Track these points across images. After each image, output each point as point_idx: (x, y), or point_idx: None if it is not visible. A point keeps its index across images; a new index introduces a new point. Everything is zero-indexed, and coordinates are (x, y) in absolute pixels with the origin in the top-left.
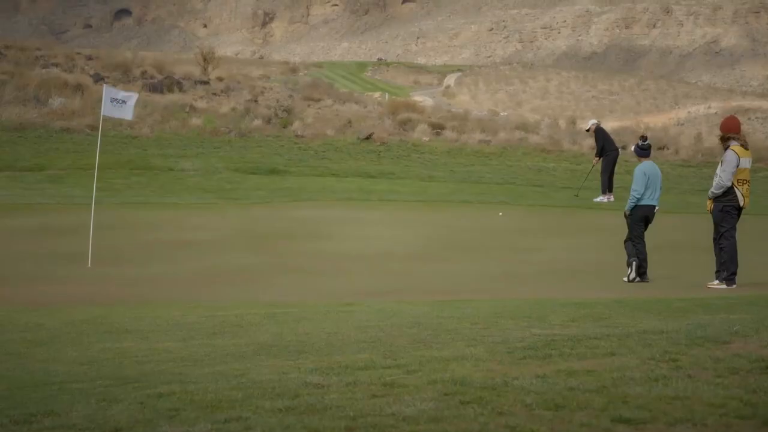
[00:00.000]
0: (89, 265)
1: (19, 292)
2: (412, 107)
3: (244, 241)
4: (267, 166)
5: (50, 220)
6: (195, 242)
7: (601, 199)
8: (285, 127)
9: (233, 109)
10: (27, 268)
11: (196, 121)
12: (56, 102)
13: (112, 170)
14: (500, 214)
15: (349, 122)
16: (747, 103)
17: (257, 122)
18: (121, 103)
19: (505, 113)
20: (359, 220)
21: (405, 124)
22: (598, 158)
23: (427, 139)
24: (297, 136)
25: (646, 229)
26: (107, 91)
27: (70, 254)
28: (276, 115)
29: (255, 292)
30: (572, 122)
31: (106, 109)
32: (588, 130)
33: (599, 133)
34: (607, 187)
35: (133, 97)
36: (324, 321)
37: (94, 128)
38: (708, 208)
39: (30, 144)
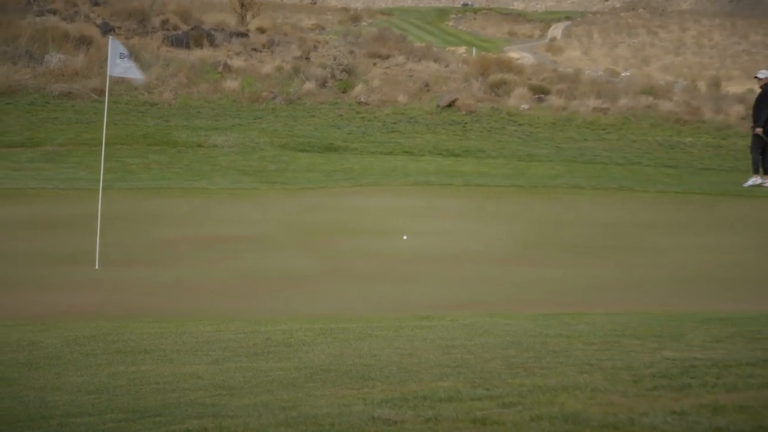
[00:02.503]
0: (96, 267)
1: (8, 301)
2: (507, 66)
3: (292, 237)
4: (321, 141)
5: (46, 209)
6: (229, 239)
7: (754, 182)
8: (344, 91)
9: (278, 68)
10: (17, 271)
11: (231, 84)
12: (54, 59)
13: (124, 146)
14: (405, 237)
15: (426, 85)
16: None
17: (309, 86)
18: (130, 61)
19: (627, 73)
20: (438, 210)
21: (498, 88)
22: (761, 128)
23: (526, 106)
24: (359, 103)
25: None
26: (114, 44)
27: (71, 254)
28: (333, 76)
29: (306, 302)
30: (715, 84)
31: (115, 68)
32: (759, 78)
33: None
34: (761, 166)
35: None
36: (395, 339)
37: (102, 93)
38: None
39: (21, 113)
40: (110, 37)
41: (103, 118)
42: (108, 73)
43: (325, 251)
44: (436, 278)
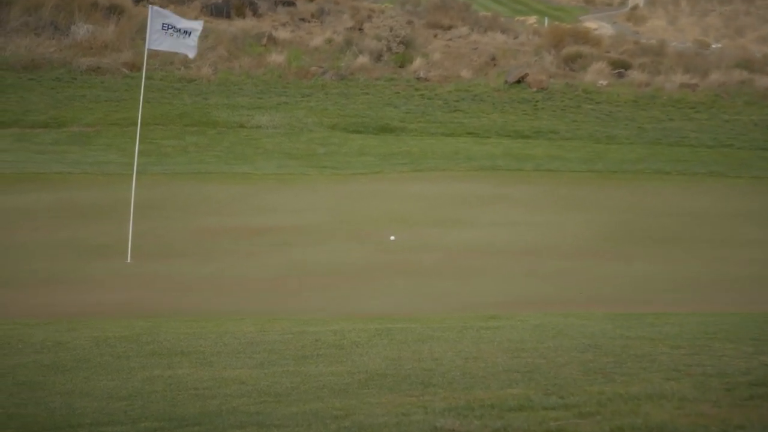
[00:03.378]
0: (128, 261)
1: (31, 298)
2: (583, 37)
3: (344, 228)
4: (376, 121)
5: (74, 196)
6: (275, 229)
7: None
8: (401, 66)
9: (329, 41)
10: (41, 264)
11: (276, 57)
12: (81, 30)
13: (159, 127)
14: (392, 238)
15: (493, 59)
16: None
17: (362, 60)
18: (177, 33)
19: (719, 45)
20: (506, 198)
21: (573, 62)
22: None
23: (604, 82)
24: (419, 79)
25: None
26: (155, 13)
27: (101, 245)
28: (389, 49)
29: (360, 300)
30: None
31: (154, 40)
32: None
33: None
34: None
35: (196, 29)
36: (459, 341)
37: (134, 68)
38: None
39: (45, 90)
40: (150, 6)
41: (140, 95)
42: (146, 47)
43: (381, 243)
44: (504, 274)
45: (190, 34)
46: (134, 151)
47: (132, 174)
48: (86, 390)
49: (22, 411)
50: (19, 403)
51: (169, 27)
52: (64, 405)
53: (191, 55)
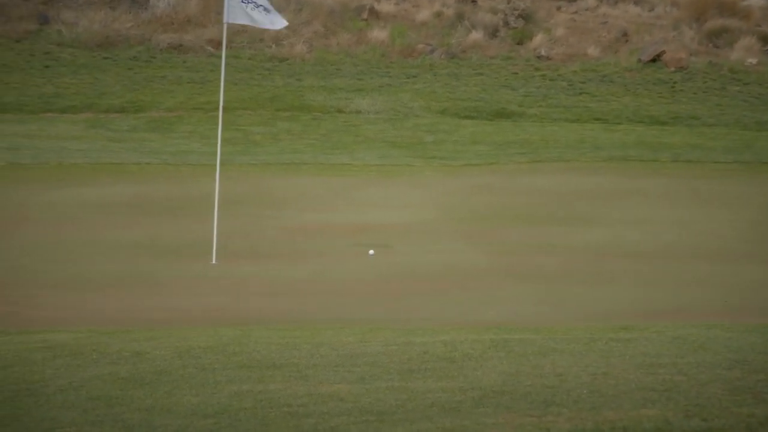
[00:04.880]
0: (213, 262)
1: (107, 304)
2: (730, 8)
3: (454, 226)
4: (490, 105)
5: (152, 189)
6: (376, 227)
7: None
8: (520, 43)
9: (437, 14)
10: (117, 266)
11: (378, 34)
12: (161, 4)
13: (247, 112)
14: (371, 252)
15: (624, 35)
16: None
17: (475, 35)
18: (260, 7)
19: None
20: (639, 192)
21: (717, 37)
22: None
23: (753, 61)
24: (539, 57)
25: None
26: None
27: (183, 245)
28: (506, 24)
29: (473, 308)
30: None
31: (233, 14)
32: None
33: None
34: None
35: (275, 18)
36: (585, 355)
37: (220, 45)
38: None
39: (120, 70)
40: None
41: (221, 76)
42: (225, 20)
43: (496, 244)
44: (636, 279)
45: (269, 12)
46: (218, 140)
47: (216, 165)
48: (168, 406)
49: (97, 429)
50: (94, 420)
51: (249, 1)
52: (143, 422)
53: (277, 26)
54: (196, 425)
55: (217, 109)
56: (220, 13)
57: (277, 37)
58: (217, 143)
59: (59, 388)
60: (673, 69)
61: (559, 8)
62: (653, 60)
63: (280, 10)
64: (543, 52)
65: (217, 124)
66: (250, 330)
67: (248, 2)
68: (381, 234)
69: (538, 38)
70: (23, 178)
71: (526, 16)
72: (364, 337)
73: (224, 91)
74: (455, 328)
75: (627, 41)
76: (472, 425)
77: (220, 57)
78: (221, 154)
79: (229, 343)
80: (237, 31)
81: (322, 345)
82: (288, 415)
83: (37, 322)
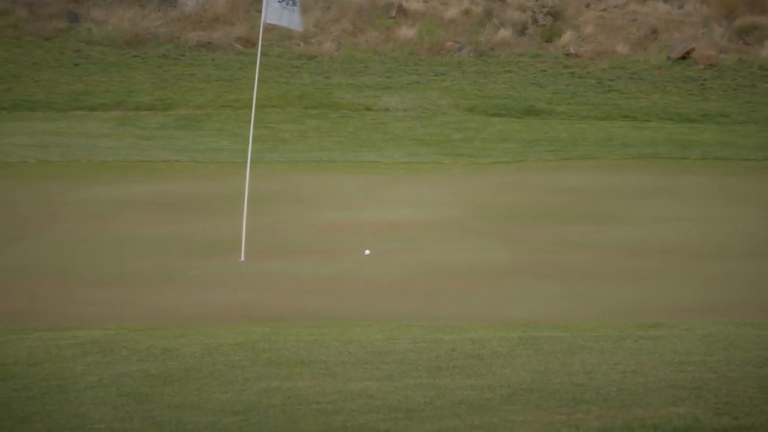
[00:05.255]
0: (242, 259)
1: (136, 300)
2: (760, 5)
3: (483, 224)
4: (519, 103)
5: (181, 187)
6: (404, 224)
7: None
8: (548, 40)
9: (466, 12)
10: (146, 263)
11: (407, 31)
12: (191, 2)
13: (275, 109)
14: (366, 252)
15: (654, 32)
16: None
17: (504, 33)
18: (288, 6)
19: None
20: (669, 190)
21: (747, 34)
22: None
23: None
24: (568, 55)
25: None
26: None
27: (213, 242)
28: (534, 21)
29: (501, 305)
30: None
31: (272, 14)
32: None
33: None
34: None
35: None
36: (615, 352)
37: (248, 43)
38: None
39: (150, 68)
40: None
41: (255, 74)
42: (263, 20)
43: (525, 241)
44: (666, 276)
45: (295, 4)
46: (248, 137)
47: (246, 162)
48: (197, 403)
49: (127, 426)
50: (124, 416)
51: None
52: (173, 419)
53: (299, 28)
54: (225, 422)
55: (246, 106)
56: (248, 11)
57: (306, 35)
58: (245, 141)
59: (89, 385)
60: (702, 66)
61: (587, 5)
62: (683, 57)
63: (308, 8)
64: (571, 50)
65: (245, 121)
66: (279, 327)
67: (283, 1)
68: (409, 231)
69: (567, 36)
70: (53, 176)
71: (554, 14)
72: (392, 334)
73: (257, 90)
74: (483, 325)
75: (656, 38)
76: (501, 423)
77: (249, 55)
78: (252, 153)
79: (257, 340)
80: (266, 29)
81: (350, 342)
82: (317, 412)
83: (67, 319)
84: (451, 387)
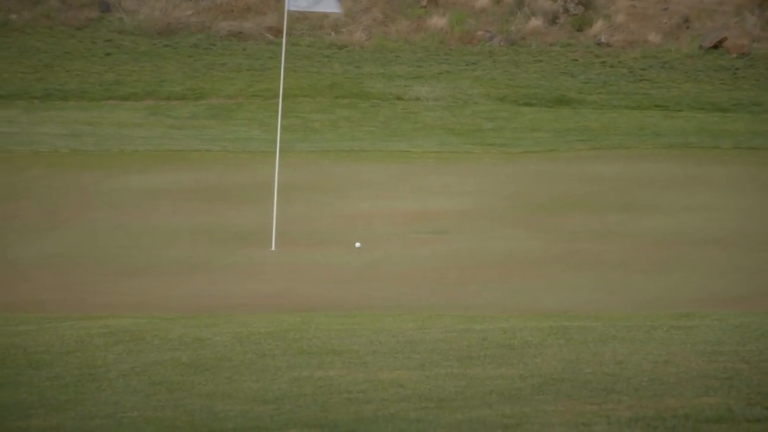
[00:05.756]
0: (273, 249)
1: (168, 288)
2: None
3: (514, 213)
4: (550, 92)
5: (212, 176)
6: (435, 214)
7: None
8: (580, 30)
9: (497, 1)
10: (177, 252)
11: (437, 20)
12: None
13: (306, 99)
14: (357, 245)
15: (686, 21)
16: None
17: (535, 22)
18: None
19: None
20: (701, 180)
21: None
22: None
23: None
24: (599, 44)
25: None
26: None
27: (243, 231)
28: (566, 10)
29: (533, 295)
30: None
31: (294, 1)
32: None
33: None
34: None
35: None
36: (646, 342)
37: (279, 33)
38: None
39: (181, 57)
40: None
41: (281, 64)
42: (286, 8)
43: (556, 231)
44: (698, 266)
45: None
46: (277, 127)
47: (276, 152)
48: (228, 392)
49: (159, 414)
50: (156, 405)
51: None
52: (204, 408)
53: (335, 9)
54: (257, 411)
55: (276, 96)
56: (279, 0)
57: (336, 24)
58: (276, 130)
59: (121, 373)
60: (735, 55)
61: None
62: (715, 46)
63: None
64: (603, 39)
65: (276, 111)
66: (310, 316)
67: None
68: (440, 221)
69: (598, 25)
70: (85, 165)
71: (586, 3)
72: (423, 323)
73: (283, 79)
74: (515, 315)
75: (688, 27)
76: (532, 412)
77: (280, 44)
78: (280, 141)
79: (289, 329)
80: (296, 18)
81: (381, 331)
82: (348, 401)
83: (100, 308)
84: (482, 376)
